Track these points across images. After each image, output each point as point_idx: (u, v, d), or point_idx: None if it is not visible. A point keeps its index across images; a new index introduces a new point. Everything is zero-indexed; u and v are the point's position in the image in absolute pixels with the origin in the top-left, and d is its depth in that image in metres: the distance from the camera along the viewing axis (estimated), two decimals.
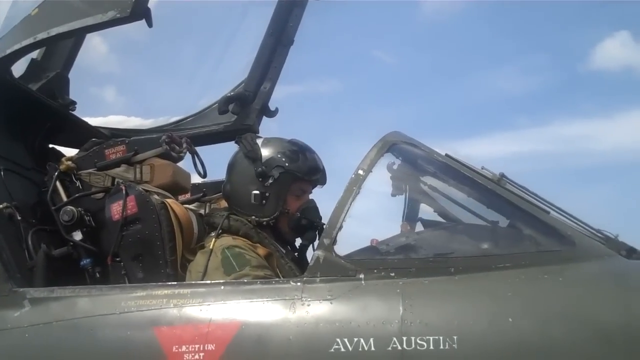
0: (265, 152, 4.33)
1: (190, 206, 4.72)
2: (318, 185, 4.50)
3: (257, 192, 4.29)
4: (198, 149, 4.91)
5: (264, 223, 4.27)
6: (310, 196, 4.48)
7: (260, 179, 4.28)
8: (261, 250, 4.13)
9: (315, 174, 4.41)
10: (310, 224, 4.31)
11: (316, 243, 4.03)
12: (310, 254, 4.47)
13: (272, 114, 5.81)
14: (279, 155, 4.31)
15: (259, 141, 4.42)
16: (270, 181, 4.27)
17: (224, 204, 4.69)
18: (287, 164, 4.28)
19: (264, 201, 4.28)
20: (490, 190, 3.79)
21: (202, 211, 4.81)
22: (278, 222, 4.32)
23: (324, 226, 4.08)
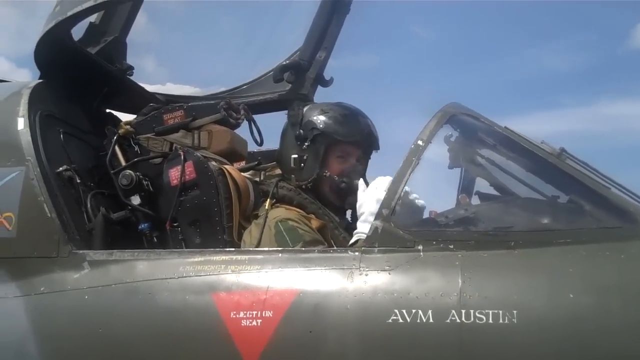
0: (307, 116, 4.37)
1: (246, 174, 4.73)
2: (373, 150, 4.50)
3: (295, 155, 4.34)
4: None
5: (303, 187, 4.29)
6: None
7: (298, 143, 4.34)
8: (315, 222, 4.14)
9: (353, 136, 4.34)
10: (349, 188, 4.22)
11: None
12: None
13: (327, 83, 5.76)
14: (314, 118, 4.33)
15: (307, 107, 4.47)
16: (307, 144, 4.30)
17: (278, 172, 4.69)
18: (321, 126, 4.29)
19: (302, 164, 4.32)
20: (551, 164, 3.74)
21: (257, 179, 4.82)
22: (320, 186, 4.32)
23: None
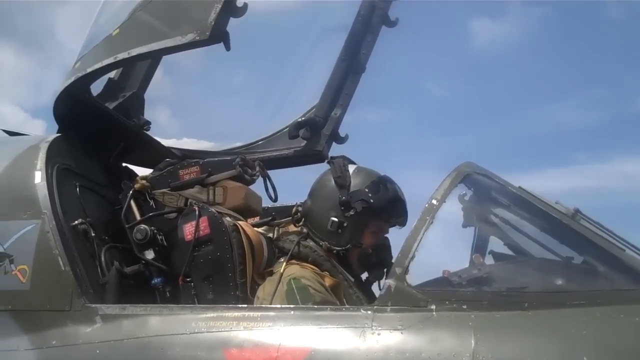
0: (354, 182, 4.31)
1: (260, 229, 4.73)
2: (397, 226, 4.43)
3: (335, 219, 4.27)
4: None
5: (334, 252, 4.26)
6: None
7: (342, 208, 4.25)
8: (328, 280, 4.13)
9: (397, 217, 4.35)
10: (380, 262, 4.28)
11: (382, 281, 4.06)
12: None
13: (342, 140, 5.82)
14: (367, 190, 4.26)
15: (351, 168, 4.40)
16: (352, 213, 4.23)
17: (292, 228, 4.69)
18: (372, 201, 4.23)
19: (339, 230, 4.26)
20: (565, 225, 3.73)
21: (270, 235, 4.82)
22: (349, 254, 4.30)
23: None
